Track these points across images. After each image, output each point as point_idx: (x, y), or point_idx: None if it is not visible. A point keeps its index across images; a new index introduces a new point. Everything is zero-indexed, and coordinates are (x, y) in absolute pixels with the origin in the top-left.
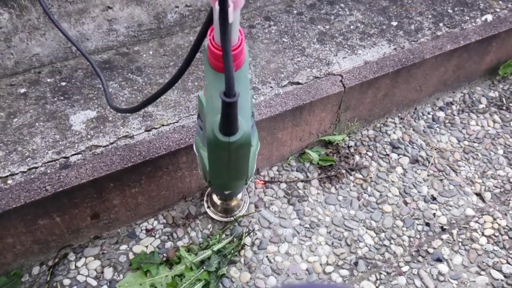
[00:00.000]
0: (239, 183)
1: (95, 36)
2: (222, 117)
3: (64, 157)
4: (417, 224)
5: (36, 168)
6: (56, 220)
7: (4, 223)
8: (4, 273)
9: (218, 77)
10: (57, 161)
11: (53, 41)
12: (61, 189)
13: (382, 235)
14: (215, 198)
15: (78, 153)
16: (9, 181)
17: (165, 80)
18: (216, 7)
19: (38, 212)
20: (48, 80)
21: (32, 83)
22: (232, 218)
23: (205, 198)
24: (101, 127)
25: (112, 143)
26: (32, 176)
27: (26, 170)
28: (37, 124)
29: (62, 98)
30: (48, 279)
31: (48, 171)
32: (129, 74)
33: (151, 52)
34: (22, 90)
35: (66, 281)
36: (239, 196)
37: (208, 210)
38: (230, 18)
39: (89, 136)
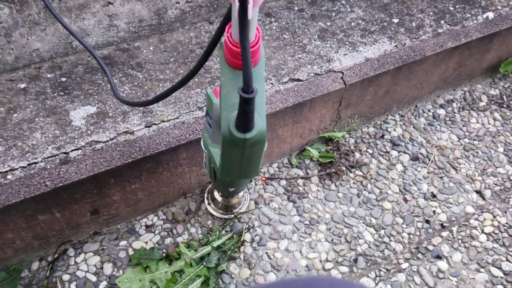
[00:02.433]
0: (247, 180)
1: (96, 32)
2: (239, 114)
3: (64, 153)
4: (417, 221)
5: (36, 163)
6: (56, 215)
7: (4, 219)
8: (4, 268)
9: (234, 74)
10: (57, 157)
11: (53, 36)
12: (61, 184)
13: (382, 232)
14: (216, 194)
15: (78, 149)
16: (9, 176)
17: (166, 76)
18: (236, 4)
19: (38, 207)
20: (48, 75)
21: (32, 78)
22: (232, 215)
23: (205, 195)
24: (101, 122)
25: (112, 139)
26: (32, 172)
27: (26, 165)
28: (37, 119)
29: (62, 93)
30: (48, 274)
31: (48, 167)
32: (130, 70)
33: (151, 48)
34: (22, 85)
35: (66, 277)
36: (240, 193)
37: (208, 207)
38: (250, 15)
39: (89, 132)
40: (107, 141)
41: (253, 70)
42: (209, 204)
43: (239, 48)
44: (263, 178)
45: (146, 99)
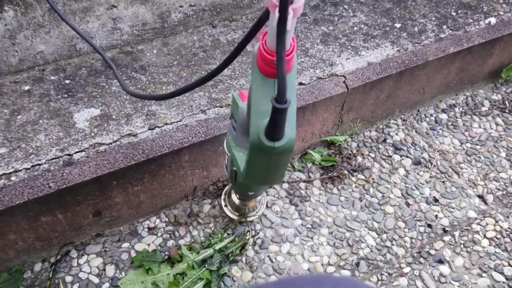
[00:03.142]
0: (268, 186)
1: (100, 35)
2: (270, 122)
3: (68, 155)
4: (419, 226)
5: (39, 165)
6: (59, 217)
7: (7, 220)
8: (6, 269)
9: (266, 81)
10: (60, 158)
11: (57, 39)
12: (64, 186)
13: (384, 236)
14: (233, 197)
15: (81, 151)
16: (13, 178)
17: (169, 79)
18: (276, 15)
19: (41, 208)
20: (52, 77)
21: (36, 80)
22: (248, 219)
23: (222, 197)
24: (105, 125)
25: (115, 141)
26: (36, 173)
27: (29, 167)
28: (41, 121)
29: (66, 95)
30: (50, 276)
31: (52, 168)
32: (133, 73)
33: (155, 51)
34: (26, 88)
35: (68, 278)
36: (258, 198)
37: (225, 208)
38: (288, 26)
39: (92, 134)
40: (111, 143)
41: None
42: (225, 205)
43: (274, 57)
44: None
45: (161, 93)
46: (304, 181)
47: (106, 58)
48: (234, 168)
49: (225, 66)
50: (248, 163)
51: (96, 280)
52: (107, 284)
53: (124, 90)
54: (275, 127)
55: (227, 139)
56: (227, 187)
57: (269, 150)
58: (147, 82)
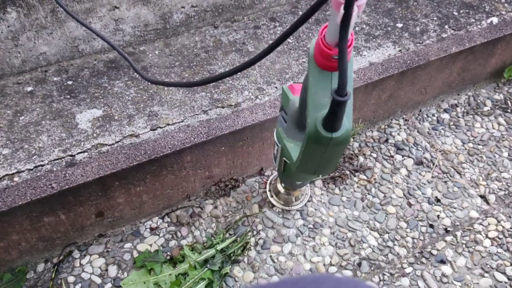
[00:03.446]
0: (317, 176)
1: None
2: (328, 114)
3: (70, 155)
4: (421, 226)
5: (42, 165)
6: (61, 217)
7: (10, 220)
8: (9, 270)
9: (323, 75)
10: (63, 159)
11: (60, 40)
12: (66, 187)
13: (386, 236)
14: (279, 187)
15: (84, 151)
16: (16, 179)
17: (171, 80)
18: (341, 12)
19: (44, 209)
20: (55, 78)
21: (39, 81)
22: (292, 208)
23: (267, 187)
24: (107, 125)
25: (117, 142)
26: (38, 174)
27: (32, 167)
28: (43, 122)
29: (68, 96)
30: (53, 276)
31: (54, 169)
32: (135, 74)
33: (157, 52)
34: (29, 89)
35: (71, 278)
36: (303, 188)
37: (271, 199)
38: (352, 23)
39: (95, 135)
40: (113, 144)
41: None
42: (271, 196)
43: (332, 51)
44: (267, 181)
45: (193, 80)
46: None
47: (119, 51)
48: (284, 159)
49: (269, 52)
50: (303, 153)
51: (98, 280)
52: (109, 285)
53: (146, 79)
54: (334, 119)
55: (277, 130)
56: (271, 177)
57: (326, 140)
58: (149, 83)
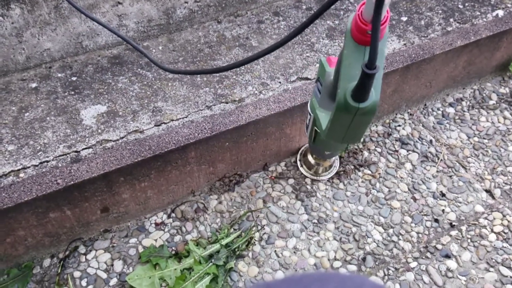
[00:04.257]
0: (344, 146)
1: (105, 32)
2: (358, 85)
3: (75, 151)
4: (426, 220)
5: (47, 161)
6: (67, 213)
7: (16, 216)
8: (16, 265)
9: (358, 48)
10: (68, 155)
11: (63, 36)
12: (72, 182)
13: (391, 231)
14: (309, 157)
15: (88, 147)
16: (21, 175)
17: (175, 75)
18: None
19: (49, 205)
20: (59, 75)
21: (43, 78)
22: (321, 178)
23: (298, 157)
24: (112, 121)
25: (122, 138)
26: (44, 170)
27: (37, 163)
28: (48, 118)
29: (72, 93)
30: (59, 271)
31: (60, 165)
32: (139, 69)
33: (160, 48)
34: (34, 85)
35: (77, 274)
36: (332, 159)
37: (301, 168)
38: (386, 0)
39: (99, 131)
40: (117, 140)
41: None
42: (301, 166)
43: (368, 26)
44: (272, 177)
45: (218, 66)
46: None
47: (133, 43)
48: (315, 128)
49: (299, 32)
50: (332, 121)
51: (104, 275)
52: (115, 280)
53: (164, 69)
54: (362, 90)
55: (311, 100)
56: (302, 148)
57: (353, 110)
58: (153, 79)
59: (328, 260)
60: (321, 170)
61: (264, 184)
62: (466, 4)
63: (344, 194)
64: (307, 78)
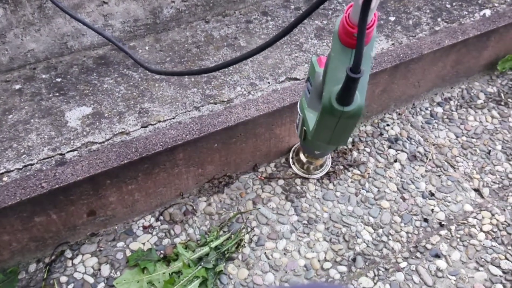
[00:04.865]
0: (333, 147)
1: (91, 32)
2: (342, 89)
3: (60, 154)
4: (415, 220)
5: (31, 165)
6: (53, 217)
7: (0, 221)
8: (1, 270)
9: (344, 51)
10: (52, 158)
11: (48, 37)
12: (57, 186)
13: (380, 231)
14: (301, 156)
15: (74, 150)
16: (5, 178)
17: (161, 76)
18: None
19: (34, 209)
20: (44, 76)
21: (27, 79)
22: (312, 176)
23: (290, 154)
24: (97, 123)
25: (108, 140)
26: (28, 173)
27: (21, 167)
28: (32, 120)
29: (57, 94)
30: (45, 276)
31: (44, 168)
32: (125, 70)
33: (147, 48)
34: (17, 86)
35: (63, 278)
36: (324, 158)
37: (293, 166)
38: (373, 4)
39: (84, 133)
40: (103, 142)
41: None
42: (293, 163)
43: (354, 29)
44: (262, 177)
45: (203, 67)
46: (300, 177)
47: (117, 43)
48: (305, 128)
49: (288, 32)
50: (318, 123)
51: (91, 280)
52: (102, 284)
53: (150, 70)
54: (346, 94)
55: (301, 100)
56: (295, 146)
57: (338, 113)
58: (139, 79)
59: (318, 261)
60: (312, 168)
61: (254, 185)
62: (454, 4)
63: (333, 194)
64: (296, 79)
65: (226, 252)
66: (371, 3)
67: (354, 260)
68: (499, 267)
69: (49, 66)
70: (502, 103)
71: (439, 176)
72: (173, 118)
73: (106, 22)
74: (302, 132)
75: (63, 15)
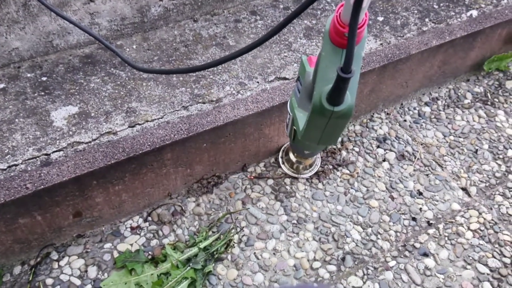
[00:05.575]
0: (323, 147)
1: (77, 30)
2: (333, 89)
3: (45, 154)
4: (404, 219)
5: (16, 165)
6: (37, 218)
7: None
8: None
9: (335, 51)
10: (37, 158)
11: (33, 35)
12: (42, 187)
13: (369, 230)
14: (291, 155)
15: (59, 150)
16: None
17: (149, 75)
18: None
19: (19, 210)
20: (28, 75)
21: (12, 78)
22: (302, 176)
23: (280, 154)
24: (83, 123)
25: (94, 140)
26: (12, 174)
27: (5, 167)
28: (17, 120)
29: (42, 93)
30: (30, 278)
31: (29, 169)
32: (112, 69)
33: (134, 47)
34: (1, 86)
35: (49, 281)
36: (313, 158)
37: (282, 166)
38: (364, 4)
39: (70, 133)
40: (90, 142)
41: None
42: (283, 163)
43: (345, 29)
44: (251, 176)
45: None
46: (289, 177)
47: (105, 42)
48: (294, 128)
49: (277, 32)
50: (308, 123)
51: (78, 282)
52: (89, 286)
53: (137, 69)
54: (337, 93)
55: (291, 100)
56: (285, 145)
57: (328, 113)
58: (126, 78)
59: (308, 260)
60: (302, 168)
61: (243, 185)
62: (441, 4)
63: (323, 194)
64: (285, 78)
65: (215, 252)
66: (362, 2)
67: (343, 259)
68: (486, 265)
69: (34, 65)
70: (489, 103)
71: (427, 175)
72: (161, 118)
73: (93, 21)
74: (292, 132)
75: (48, 13)
